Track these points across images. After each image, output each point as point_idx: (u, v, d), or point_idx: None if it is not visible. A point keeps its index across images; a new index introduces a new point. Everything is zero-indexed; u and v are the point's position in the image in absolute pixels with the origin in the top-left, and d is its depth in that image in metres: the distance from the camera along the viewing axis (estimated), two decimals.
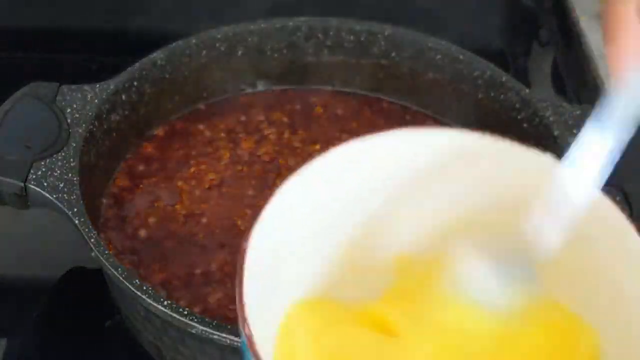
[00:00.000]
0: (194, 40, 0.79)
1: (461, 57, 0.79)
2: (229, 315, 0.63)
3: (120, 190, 0.72)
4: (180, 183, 0.73)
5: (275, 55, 0.83)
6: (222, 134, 0.78)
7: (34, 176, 0.65)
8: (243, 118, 0.80)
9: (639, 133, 0.72)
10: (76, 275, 0.72)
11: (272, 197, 0.45)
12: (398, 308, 0.48)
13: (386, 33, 0.82)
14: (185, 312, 0.56)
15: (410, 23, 0.84)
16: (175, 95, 0.79)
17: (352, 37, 0.82)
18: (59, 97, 0.71)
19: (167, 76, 0.78)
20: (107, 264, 0.59)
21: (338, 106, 0.82)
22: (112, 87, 0.72)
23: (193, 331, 0.56)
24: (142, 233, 0.69)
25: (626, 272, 0.48)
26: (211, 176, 0.74)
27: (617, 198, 0.65)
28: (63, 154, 0.66)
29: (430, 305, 0.48)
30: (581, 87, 0.97)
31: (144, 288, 0.58)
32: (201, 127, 0.79)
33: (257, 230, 0.44)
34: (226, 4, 1.08)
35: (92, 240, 0.60)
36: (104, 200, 0.71)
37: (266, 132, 0.79)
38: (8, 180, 0.65)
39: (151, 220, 0.70)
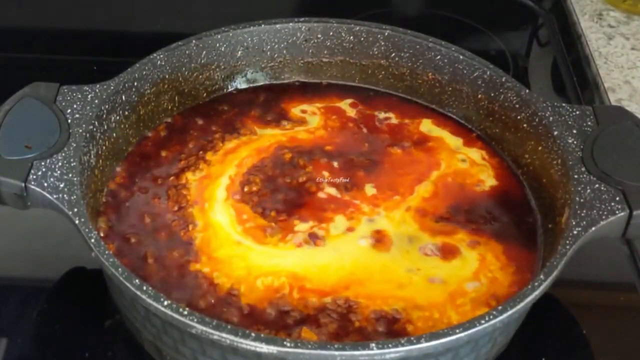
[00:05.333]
0: (194, 41, 0.79)
1: (461, 57, 0.79)
2: (226, 315, 0.63)
3: (120, 188, 0.72)
4: (178, 180, 0.73)
5: (275, 55, 0.83)
6: (220, 128, 0.78)
7: (34, 176, 0.65)
8: (242, 113, 0.80)
9: (638, 134, 0.72)
10: (76, 275, 0.72)
11: None
12: None
13: (386, 34, 0.82)
14: (185, 312, 0.56)
15: (410, 23, 0.84)
16: (175, 95, 0.79)
17: (351, 38, 0.83)
18: (59, 98, 0.71)
19: (167, 76, 0.78)
20: (107, 264, 0.59)
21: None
22: (112, 87, 0.72)
23: (193, 331, 0.56)
24: (142, 232, 0.69)
25: None
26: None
27: (617, 198, 0.66)
28: (63, 154, 0.66)
29: None
30: (581, 87, 0.97)
31: (144, 288, 0.58)
32: (199, 124, 0.79)
33: None
34: (226, 4, 1.08)
35: (92, 240, 0.60)
36: (104, 200, 0.71)
37: (265, 123, 0.79)
38: (8, 180, 0.65)
39: (151, 218, 0.70)
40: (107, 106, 0.72)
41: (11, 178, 0.65)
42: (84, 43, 1.03)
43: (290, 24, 0.82)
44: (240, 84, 0.83)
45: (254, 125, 0.79)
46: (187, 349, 0.60)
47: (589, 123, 0.72)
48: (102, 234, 0.68)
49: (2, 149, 0.66)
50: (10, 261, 0.75)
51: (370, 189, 0.74)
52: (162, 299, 0.57)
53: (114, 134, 0.73)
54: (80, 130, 0.68)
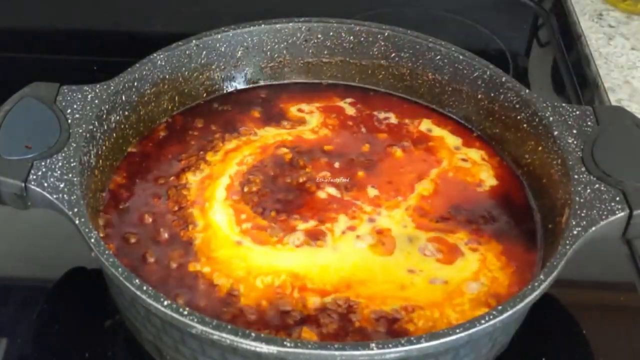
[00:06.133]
0: (194, 41, 0.79)
1: (461, 57, 0.79)
2: (226, 315, 0.63)
3: (120, 188, 0.72)
4: (178, 180, 0.73)
5: (275, 55, 0.83)
6: (220, 128, 0.79)
7: (34, 176, 0.65)
8: (242, 113, 0.80)
9: (638, 134, 0.72)
10: (76, 275, 0.72)
11: None
12: None
13: (386, 34, 0.82)
14: (185, 312, 0.56)
15: (410, 23, 0.84)
16: (175, 95, 0.79)
17: (351, 38, 0.83)
18: (59, 98, 0.71)
19: (167, 76, 0.78)
20: (107, 264, 0.59)
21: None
22: (112, 87, 0.72)
23: (193, 331, 0.56)
24: (142, 232, 0.69)
25: None
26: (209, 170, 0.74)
27: (617, 198, 0.66)
28: (63, 154, 0.66)
29: None
30: (581, 87, 0.97)
31: (144, 288, 0.58)
32: (199, 124, 0.79)
33: None
34: (226, 4, 1.08)
35: (92, 240, 0.60)
36: (104, 200, 0.71)
37: (265, 123, 0.79)
38: (8, 180, 0.65)
39: (151, 218, 0.70)
40: (107, 106, 0.72)
41: (11, 178, 0.65)
42: (84, 43, 1.03)
43: (290, 24, 0.82)
44: (240, 84, 0.83)
45: (253, 125, 0.79)
46: (187, 349, 0.60)
47: (589, 123, 0.72)
48: (102, 234, 0.68)
49: (2, 149, 0.66)
50: (10, 261, 0.75)
51: (370, 189, 0.74)
52: (162, 299, 0.57)
53: (114, 134, 0.73)
54: (80, 130, 0.68)
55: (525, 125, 0.75)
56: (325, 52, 0.83)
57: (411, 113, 0.82)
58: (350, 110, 0.82)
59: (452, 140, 0.79)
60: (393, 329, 0.63)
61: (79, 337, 0.68)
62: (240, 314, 0.63)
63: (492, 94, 0.78)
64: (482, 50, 0.84)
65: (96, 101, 0.71)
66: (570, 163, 0.68)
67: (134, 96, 0.75)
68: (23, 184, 0.64)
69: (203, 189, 0.72)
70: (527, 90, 0.76)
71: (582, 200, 0.65)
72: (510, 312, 0.58)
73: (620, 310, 0.75)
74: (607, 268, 0.77)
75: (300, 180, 0.74)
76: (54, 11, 1.07)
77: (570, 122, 0.72)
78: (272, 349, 0.55)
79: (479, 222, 0.71)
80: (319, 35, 0.83)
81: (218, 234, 0.69)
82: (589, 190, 0.66)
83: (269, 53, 0.83)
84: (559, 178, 0.69)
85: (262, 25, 0.81)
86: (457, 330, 0.56)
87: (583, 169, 0.68)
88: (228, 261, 0.67)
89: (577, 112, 0.73)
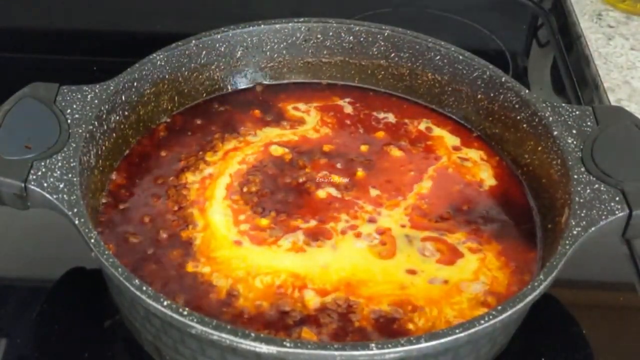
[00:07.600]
0: (193, 41, 0.79)
1: (461, 57, 0.79)
2: (226, 315, 0.63)
3: (120, 188, 0.72)
4: (178, 180, 0.73)
5: (275, 55, 0.83)
6: (219, 128, 0.79)
7: (34, 176, 0.65)
8: (241, 113, 0.80)
9: (637, 134, 0.72)
10: (76, 275, 0.73)
11: None
12: None
13: (386, 34, 0.82)
14: (185, 312, 0.56)
15: (410, 23, 0.84)
16: (175, 95, 0.79)
17: (351, 38, 0.83)
18: (59, 98, 0.71)
19: (167, 76, 0.78)
20: (107, 264, 0.59)
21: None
22: (112, 87, 0.72)
23: (193, 331, 0.56)
24: (142, 232, 0.69)
25: None
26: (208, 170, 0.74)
27: (617, 198, 0.66)
28: (63, 154, 0.66)
29: None
30: (581, 87, 0.97)
31: (144, 288, 0.58)
32: (199, 124, 0.79)
33: None
34: (227, 4, 1.08)
35: (92, 240, 0.60)
36: (103, 200, 0.71)
37: (265, 123, 0.80)
38: (8, 180, 0.65)
39: (151, 218, 0.70)
40: (107, 106, 0.72)
41: (11, 178, 0.65)
42: (84, 43, 1.03)
43: (290, 24, 0.82)
44: (240, 84, 0.83)
45: (253, 126, 0.79)
46: (187, 349, 0.60)
47: (589, 123, 0.72)
48: (102, 234, 0.68)
49: (2, 149, 0.66)
50: (10, 261, 0.75)
51: (370, 189, 0.74)
52: (161, 299, 0.57)
53: (114, 134, 0.73)
54: (80, 131, 0.68)
55: (524, 125, 0.75)
56: (325, 52, 0.83)
57: (411, 113, 0.82)
58: (350, 111, 0.82)
59: (452, 140, 0.79)
60: (393, 328, 0.63)
61: (79, 337, 0.68)
62: (240, 314, 0.63)
63: (492, 94, 0.78)
64: (481, 50, 0.84)
65: (96, 101, 0.71)
66: (570, 163, 0.68)
67: (133, 96, 0.75)
68: (23, 184, 0.64)
69: (203, 189, 0.72)
70: (527, 91, 0.76)
71: (581, 200, 0.65)
72: (510, 312, 0.58)
73: (620, 310, 0.75)
74: (607, 268, 0.77)
75: (300, 180, 0.74)
76: (54, 11, 1.07)
77: (569, 122, 0.72)
78: (272, 349, 0.55)
79: (478, 222, 0.71)
80: (319, 35, 0.83)
81: (216, 234, 0.69)
82: (588, 190, 0.66)
83: (268, 53, 0.83)
84: (558, 178, 0.69)
85: (262, 25, 0.81)
86: (457, 331, 0.56)
87: (582, 169, 0.68)
88: (227, 261, 0.67)
89: (577, 112, 0.73)
